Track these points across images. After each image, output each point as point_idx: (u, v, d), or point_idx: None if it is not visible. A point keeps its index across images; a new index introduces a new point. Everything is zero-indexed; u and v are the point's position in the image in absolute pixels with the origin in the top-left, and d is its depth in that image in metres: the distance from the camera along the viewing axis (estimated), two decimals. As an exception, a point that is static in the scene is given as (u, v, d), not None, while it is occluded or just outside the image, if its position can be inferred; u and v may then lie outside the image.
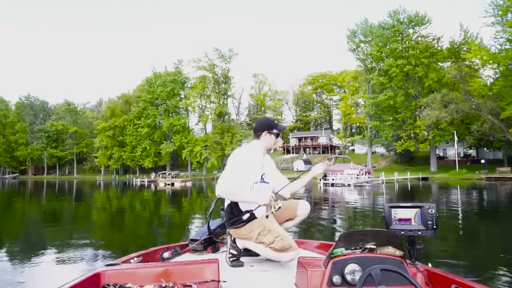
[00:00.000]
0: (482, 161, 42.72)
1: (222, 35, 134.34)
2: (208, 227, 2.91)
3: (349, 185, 33.39)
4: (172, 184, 42.23)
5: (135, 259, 2.42)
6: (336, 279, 1.67)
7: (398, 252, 1.75)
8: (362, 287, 1.41)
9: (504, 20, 35.14)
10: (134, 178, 57.13)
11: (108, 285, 1.67)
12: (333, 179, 36.34)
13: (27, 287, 5.00)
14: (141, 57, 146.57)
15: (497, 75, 39.36)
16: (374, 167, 51.74)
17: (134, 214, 15.35)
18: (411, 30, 46.82)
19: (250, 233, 2.45)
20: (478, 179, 36.60)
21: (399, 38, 46.51)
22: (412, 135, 47.44)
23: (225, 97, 67.19)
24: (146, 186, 41.58)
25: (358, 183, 34.69)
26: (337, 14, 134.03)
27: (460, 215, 12.63)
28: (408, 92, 46.11)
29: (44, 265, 6.09)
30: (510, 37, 35.41)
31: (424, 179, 39.48)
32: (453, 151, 46.70)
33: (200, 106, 67.79)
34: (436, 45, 46.87)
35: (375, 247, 1.78)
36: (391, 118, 48.13)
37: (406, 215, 1.91)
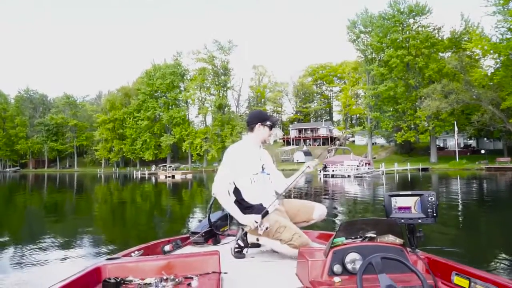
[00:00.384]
0: (482, 151, 42.76)
1: (222, 27, 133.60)
2: (209, 219, 2.92)
3: (349, 176, 33.44)
4: (173, 177, 42.29)
5: (136, 252, 2.42)
6: (337, 268, 1.67)
7: (399, 240, 1.76)
8: (363, 275, 1.41)
9: (505, 10, 34.82)
10: (134, 171, 57.24)
11: (109, 278, 1.67)
12: (333, 170, 36.40)
13: (28, 281, 5.01)
14: (140, 50, 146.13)
15: (497, 65, 39.22)
16: (374, 158, 51.77)
17: (135, 206, 15.39)
18: (411, 20, 46.48)
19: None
20: (478, 169, 36.63)
21: (400, 28, 46.19)
22: (412, 126, 47.39)
23: (225, 89, 67.00)
24: (146, 178, 41.66)
25: (358, 174, 34.74)
26: (337, 5, 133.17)
27: (460, 205, 12.67)
28: (408, 82, 45.92)
29: (45, 259, 6.09)
30: (511, 27, 35.13)
31: (424, 169, 39.52)
32: (453, 142, 46.69)
33: (200, 98, 67.66)
34: (436, 35, 46.57)
35: (375, 236, 1.78)
36: (391, 109, 48.03)
37: (406, 203, 1.91)
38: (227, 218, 3.06)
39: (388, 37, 46.46)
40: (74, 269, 1.76)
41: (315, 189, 21.04)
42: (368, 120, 54.39)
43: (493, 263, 5.27)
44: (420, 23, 46.52)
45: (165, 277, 1.69)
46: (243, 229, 2.55)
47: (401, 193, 1.94)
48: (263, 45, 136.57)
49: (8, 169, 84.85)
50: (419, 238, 1.90)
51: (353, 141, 70.06)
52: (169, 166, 51.34)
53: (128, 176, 50.71)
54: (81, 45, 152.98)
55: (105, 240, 7.97)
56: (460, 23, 46.34)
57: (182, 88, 68.85)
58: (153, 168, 56.40)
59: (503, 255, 5.62)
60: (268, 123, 2.67)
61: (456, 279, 1.63)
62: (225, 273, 1.92)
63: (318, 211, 2.67)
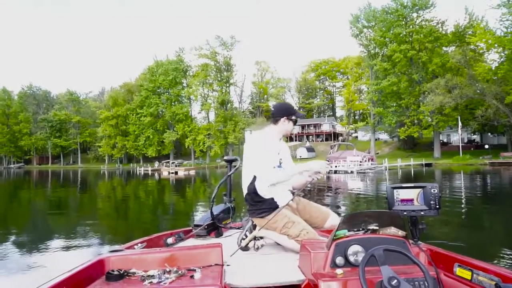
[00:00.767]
0: (486, 146, 42.57)
1: (225, 22, 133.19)
2: (211, 212, 2.93)
3: (352, 172, 33.39)
4: (176, 173, 42.42)
5: (139, 245, 2.44)
6: (339, 260, 1.68)
7: (401, 233, 1.75)
8: (365, 267, 1.41)
9: (510, 2, 34.48)
10: (137, 167, 57.42)
11: (113, 270, 1.69)
12: (336, 166, 36.35)
13: (32, 273, 5.07)
14: (143, 46, 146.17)
15: (502, 59, 38.87)
16: (377, 153, 51.65)
17: (139, 202, 15.47)
18: (415, 14, 46.09)
19: (274, 224, 2.41)
20: (482, 164, 36.47)
21: (403, 22, 45.86)
22: (415, 121, 47.16)
23: (228, 85, 66.83)
24: (150, 175, 41.77)
25: (361, 170, 34.70)
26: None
27: (463, 200, 12.63)
28: (411, 77, 45.64)
29: (49, 252, 6.17)
30: (516, 20, 34.84)
31: (427, 165, 39.41)
32: (457, 137, 46.50)
33: (203, 95, 67.63)
34: (440, 29, 46.14)
35: (377, 228, 1.78)
36: (394, 104, 47.76)
37: (409, 196, 1.90)
38: (229, 211, 3.07)
39: (391, 32, 46.11)
40: (77, 261, 1.77)
41: (318, 185, 21.03)
42: (371, 116, 54.18)
43: (496, 256, 5.26)
44: (423, 17, 46.15)
45: (168, 269, 1.70)
46: (252, 222, 2.54)
47: (403, 185, 1.92)
48: (266, 41, 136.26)
49: (12, 165, 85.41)
50: (422, 230, 1.88)
51: (356, 137, 69.90)
52: (172, 163, 51.42)
53: (131, 172, 50.88)
54: (84, 41, 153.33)
55: (109, 234, 8.03)
56: (464, 17, 46.15)
57: (184, 84, 68.82)
58: (156, 164, 56.54)
59: (506, 249, 5.61)
60: (293, 118, 2.63)
61: (459, 271, 1.63)
62: (228, 265, 1.93)
63: (331, 221, 2.63)
